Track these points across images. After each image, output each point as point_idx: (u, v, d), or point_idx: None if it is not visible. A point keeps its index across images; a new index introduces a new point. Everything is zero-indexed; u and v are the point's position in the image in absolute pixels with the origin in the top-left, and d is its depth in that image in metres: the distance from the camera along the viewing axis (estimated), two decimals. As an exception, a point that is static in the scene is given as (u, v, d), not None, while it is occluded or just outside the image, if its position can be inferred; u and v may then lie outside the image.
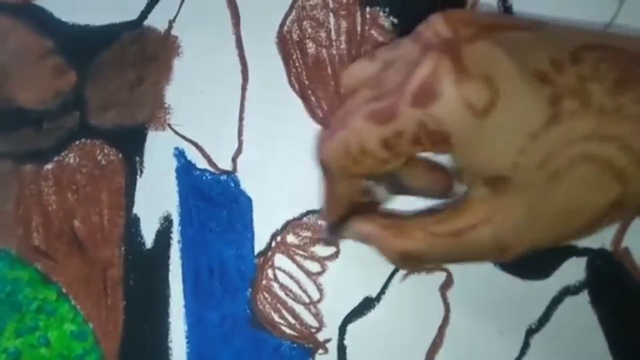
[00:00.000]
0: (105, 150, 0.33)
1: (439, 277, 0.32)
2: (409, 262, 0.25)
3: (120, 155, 0.33)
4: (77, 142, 0.33)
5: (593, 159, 0.21)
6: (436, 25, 0.23)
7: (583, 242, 0.31)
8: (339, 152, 0.24)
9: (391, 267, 0.32)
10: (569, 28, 0.24)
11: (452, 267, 0.32)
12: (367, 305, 0.32)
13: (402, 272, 0.32)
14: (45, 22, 0.33)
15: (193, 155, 0.33)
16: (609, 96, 0.21)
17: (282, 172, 0.33)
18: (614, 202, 0.21)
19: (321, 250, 0.32)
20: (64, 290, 0.32)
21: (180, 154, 0.33)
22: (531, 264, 0.31)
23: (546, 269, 0.31)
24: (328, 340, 0.32)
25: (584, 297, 0.32)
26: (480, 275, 0.31)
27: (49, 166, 0.33)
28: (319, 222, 0.32)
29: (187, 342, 0.31)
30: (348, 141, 0.24)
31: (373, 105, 0.23)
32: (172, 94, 0.33)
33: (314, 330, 0.32)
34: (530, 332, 0.31)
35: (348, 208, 0.27)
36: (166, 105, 0.33)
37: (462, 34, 0.22)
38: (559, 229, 0.22)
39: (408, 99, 0.22)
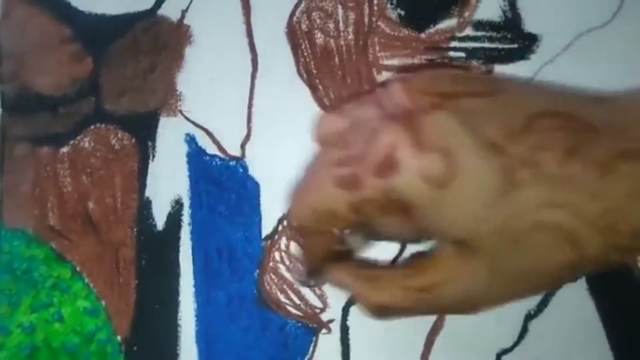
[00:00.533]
0: (119, 135, 0.35)
1: (440, 262, 0.33)
2: (384, 313, 0.26)
3: (133, 140, 0.34)
4: (92, 127, 0.35)
5: (546, 226, 0.22)
6: (395, 94, 0.24)
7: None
8: (307, 214, 0.25)
9: (395, 250, 0.33)
10: (526, 91, 0.24)
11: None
12: (370, 288, 0.33)
13: (405, 255, 0.33)
14: (63, 11, 0.35)
15: (203, 141, 0.34)
16: (559, 165, 0.21)
17: (289, 159, 0.34)
18: (571, 264, 0.22)
19: (326, 234, 0.34)
20: (78, 268, 0.33)
21: (191, 140, 0.34)
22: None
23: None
24: (331, 321, 0.33)
25: (581, 283, 0.32)
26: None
27: (64, 149, 0.34)
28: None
29: (196, 320, 0.33)
30: (316, 204, 0.24)
31: (339, 170, 0.24)
32: (184, 81, 0.34)
33: (318, 310, 0.33)
34: (529, 318, 0.32)
35: (324, 257, 0.28)
36: (178, 92, 0.34)
37: (420, 104, 0.23)
38: (522, 287, 0.23)
39: (371, 169, 0.23)
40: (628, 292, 0.32)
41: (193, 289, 0.33)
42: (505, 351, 0.32)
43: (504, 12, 0.33)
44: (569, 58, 0.32)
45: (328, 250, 0.27)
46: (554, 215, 0.21)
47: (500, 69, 0.33)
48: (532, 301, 0.32)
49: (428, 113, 0.22)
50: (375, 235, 0.27)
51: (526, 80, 0.26)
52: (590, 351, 0.32)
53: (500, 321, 0.32)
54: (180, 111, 0.34)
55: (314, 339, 0.33)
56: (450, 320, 0.32)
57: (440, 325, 0.32)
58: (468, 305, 0.24)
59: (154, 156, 0.34)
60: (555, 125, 0.22)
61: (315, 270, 0.29)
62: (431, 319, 0.32)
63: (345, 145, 0.25)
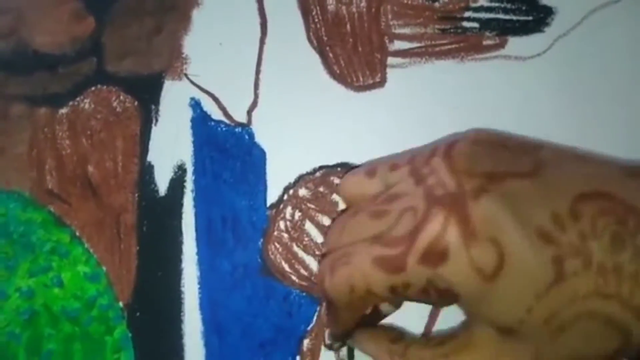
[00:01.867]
0: (121, 97, 0.34)
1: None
2: None
3: (135, 102, 0.34)
4: (93, 88, 0.33)
5: (595, 316, 0.22)
6: (439, 173, 0.23)
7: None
8: (344, 290, 0.24)
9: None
10: (567, 166, 0.24)
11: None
12: (374, 259, 0.33)
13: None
14: (63, -35, 0.33)
15: (209, 106, 0.34)
16: (608, 254, 0.21)
17: (296, 127, 0.34)
18: (616, 351, 0.23)
19: (332, 204, 0.33)
20: (77, 233, 0.32)
21: (196, 105, 0.34)
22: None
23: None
24: (336, 291, 0.33)
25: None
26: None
27: (63, 110, 0.33)
28: (333, 179, 0.33)
29: (200, 288, 0.32)
30: (354, 282, 0.24)
31: (381, 250, 0.23)
32: (190, 44, 0.33)
33: (322, 281, 0.33)
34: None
35: (353, 325, 0.28)
36: (184, 55, 0.33)
37: (466, 187, 0.22)
38: None
39: (417, 256, 0.22)
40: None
41: (196, 257, 0.33)
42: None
43: (519, -17, 0.33)
44: (584, 32, 0.32)
45: (358, 320, 0.27)
46: (604, 305, 0.22)
47: (513, 40, 0.33)
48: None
49: (475, 199, 0.22)
50: (403, 300, 0.27)
51: (562, 148, 0.25)
52: None
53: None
54: (186, 75, 0.33)
55: (318, 308, 0.33)
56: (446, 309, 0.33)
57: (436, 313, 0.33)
58: None
59: (157, 120, 0.34)
60: (600, 209, 0.22)
61: (342, 337, 0.28)
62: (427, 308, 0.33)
63: (378, 215, 0.24)
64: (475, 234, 0.21)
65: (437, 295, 0.23)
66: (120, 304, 0.32)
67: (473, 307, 0.23)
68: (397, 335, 0.27)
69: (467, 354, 0.24)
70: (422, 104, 0.33)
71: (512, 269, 0.21)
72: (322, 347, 0.32)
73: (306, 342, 0.32)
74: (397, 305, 0.29)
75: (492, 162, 0.23)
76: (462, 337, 0.25)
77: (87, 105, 0.34)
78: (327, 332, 0.31)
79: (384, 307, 0.29)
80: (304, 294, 0.33)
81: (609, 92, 0.33)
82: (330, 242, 0.27)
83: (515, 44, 0.33)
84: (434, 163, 0.24)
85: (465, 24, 0.33)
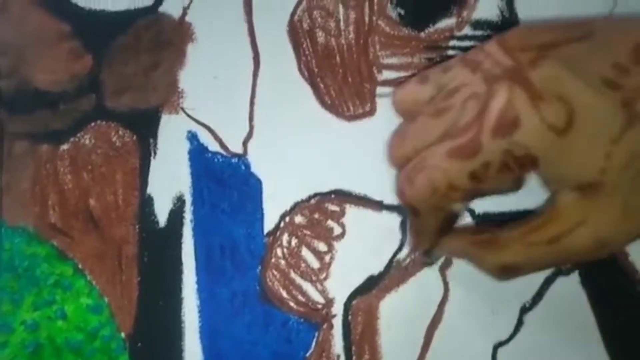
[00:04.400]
0: (120, 132, 0.36)
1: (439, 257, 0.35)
2: (510, 273, 0.27)
3: (134, 137, 0.36)
4: (93, 124, 0.35)
5: None
6: (494, 55, 0.25)
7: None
8: (427, 193, 0.26)
9: (393, 248, 0.35)
10: (619, 26, 0.25)
11: (452, 248, 0.35)
12: (370, 284, 0.35)
13: (404, 252, 0.35)
14: (61, 6, 0.35)
15: (205, 138, 0.35)
16: None
17: (291, 156, 0.35)
18: None
19: (327, 230, 0.35)
20: (80, 266, 0.34)
21: (193, 137, 0.36)
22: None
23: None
24: (334, 316, 0.34)
25: (574, 277, 0.34)
26: (479, 256, 0.34)
27: (65, 147, 0.35)
28: (327, 205, 0.35)
29: (200, 316, 0.34)
30: (435, 181, 0.25)
31: (452, 142, 0.24)
32: (186, 78, 0.35)
33: (320, 306, 0.34)
34: (524, 310, 0.34)
35: (438, 231, 0.29)
36: (180, 90, 0.35)
37: (522, 60, 0.24)
38: None
39: (489, 132, 0.24)
40: (620, 285, 0.34)
41: (196, 285, 0.34)
42: (502, 343, 0.34)
43: (502, 11, 0.35)
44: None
45: (442, 224, 0.28)
46: None
47: (498, 68, 0.35)
48: (527, 294, 0.34)
49: (533, 66, 0.23)
50: (478, 195, 0.28)
51: (608, 17, 0.27)
52: (584, 343, 0.34)
53: (497, 314, 0.34)
54: (182, 108, 0.35)
55: (317, 334, 0.34)
56: (449, 314, 0.34)
57: (439, 318, 0.34)
58: (600, 247, 0.25)
59: (155, 153, 0.35)
60: None
61: (432, 247, 0.30)
62: (430, 313, 0.34)
63: (439, 113, 0.26)
64: (541, 94, 0.23)
65: (517, 165, 0.24)
66: (122, 334, 0.34)
67: (553, 168, 0.24)
68: (479, 228, 0.29)
69: (555, 223, 0.25)
70: (411, 131, 0.35)
71: (583, 119, 0.23)
72: (321, 372, 0.34)
73: (305, 367, 0.34)
74: (471, 199, 0.29)
75: (544, 35, 0.25)
76: (548, 210, 0.26)
77: (87, 141, 0.35)
78: (417, 254, 0.32)
79: (456, 207, 0.29)
80: (302, 320, 0.34)
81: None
82: (394, 154, 0.28)
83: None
84: (488, 48, 0.25)
85: (451, 52, 0.35)
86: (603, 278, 0.34)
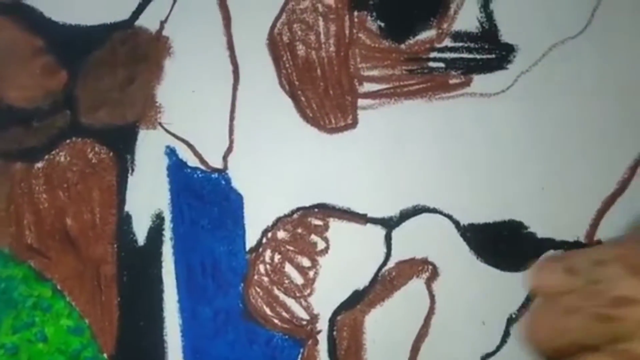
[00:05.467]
0: (96, 149, 0.35)
1: (425, 269, 0.35)
2: None
3: (111, 153, 0.35)
4: (68, 141, 0.35)
5: None
6: None
7: (559, 235, 0.35)
8: None
9: (379, 262, 0.35)
10: None
11: (436, 259, 0.35)
12: (355, 298, 0.35)
13: (389, 265, 0.35)
14: (35, 22, 0.35)
15: (184, 153, 0.35)
16: None
17: (272, 170, 0.35)
18: None
19: (311, 245, 0.35)
20: (58, 286, 0.34)
21: (171, 152, 0.36)
22: (512, 256, 0.35)
23: (526, 261, 0.35)
24: (318, 332, 0.35)
25: (560, 287, 0.35)
26: (464, 268, 0.35)
27: (39, 164, 0.35)
28: (310, 220, 0.35)
29: (182, 336, 0.34)
30: None
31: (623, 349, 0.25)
32: (163, 93, 0.35)
33: (304, 322, 0.35)
34: (511, 321, 0.35)
35: None
36: (157, 104, 0.35)
37: None
38: None
39: None
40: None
41: (177, 304, 0.34)
42: (489, 355, 0.35)
43: (481, 23, 0.35)
44: (545, 67, 0.35)
45: None
46: None
47: (478, 78, 0.35)
48: (514, 304, 0.35)
49: None
50: None
51: None
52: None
53: (484, 325, 0.35)
54: (160, 123, 0.35)
55: (302, 350, 0.34)
56: (436, 327, 0.35)
57: (425, 332, 0.35)
58: None
59: (133, 170, 0.35)
60: None
61: None
62: (416, 326, 0.35)
63: (607, 320, 0.26)
64: None
65: None
66: (105, 355, 0.33)
67: None
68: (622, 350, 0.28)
69: None
70: (393, 143, 0.35)
71: None
72: (307, 389, 0.34)
73: (291, 384, 0.34)
74: None
75: None
76: None
77: (62, 158, 0.35)
78: None
79: None
80: (287, 336, 0.34)
81: (573, 124, 0.35)
82: (542, 342, 0.28)
83: (481, 81, 0.35)
84: None
85: (432, 64, 0.35)
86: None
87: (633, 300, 0.26)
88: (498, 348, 0.34)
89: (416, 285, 0.35)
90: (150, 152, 0.35)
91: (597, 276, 0.27)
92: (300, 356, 0.34)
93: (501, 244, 0.35)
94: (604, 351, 0.26)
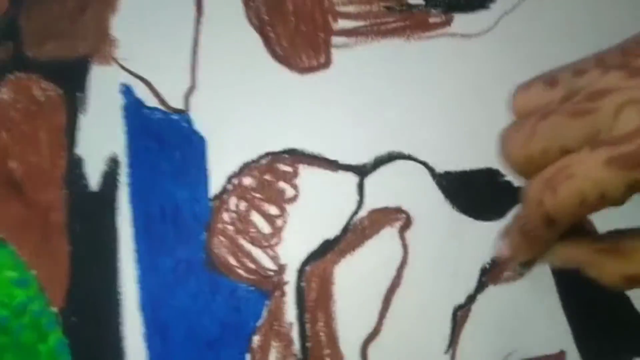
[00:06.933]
0: (43, 85, 0.33)
1: (398, 218, 0.34)
2: (632, 285, 0.26)
3: (60, 90, 0.33)
4: (11, 76, 0.33)
5: None
6: None
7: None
8: (574, 204, 0.25)
9: (350, 210, 0.34)
10: None
11: (410, 208, 0.34)
12: (325, 248, 0.34)
13: (361, 214, 0.34)
14: (-30, -61, 0.32)
15: (141, 92, 0.33)
16: None
17: (238, 112, 0.34)
18: None
19: (279, 193, 0.34)
20: (2, 235, 0.32)
21: (127, 91, 0.33)
22: (489, 205, 0.34)
23: (501, 210, 0.34)
24: (286, 283, 0.33)
25: (534, 238, 0.35)
26: (438, 217, 0.34)
27: (-22, 101, 0.32)
28: (280, 166, 0.34)
29: (140, 287, 0.32)
30: (586, 191, 0.24)
31: (612, 150, 0.24)
32: (119, 25, 0.33)
33: (271, 273, 0.33)
34: (484, 272, 0.34)
35: (553, 242, 0.28)
36: (111, 38, 0.33)
37: None
38: None
39: None
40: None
41: (135, 254, 0.32)
42: (461, 306, 0.34)
43: (463, -42, 0.34)
44: (529, 7, 0.34)
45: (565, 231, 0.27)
46: None
47: (459, 17, 0.34)
48: (488, 255, 0.35)
49: None
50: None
51: None
52: (544, 304, 0.34)
53: (457, 276, 0.34)
54: (115, 59, 0.33)
55: (268, 302, 0.33)
56: (408, 278, 0.34)
57: (397, 283, 0.34)
58: None
59: (84, 109, 0.33)
60: None
61: (541, 256, 0.28)
62: (388, 277, 0.34)
63: (580, 114, 0.25)
64: None
65: None
66: (54, 309, 0.32)
67: None
68: (598, 234, 0.28)
69: None
70: (368, 86, 0.34)
71: None
72: (272, 343, 0.33)
73: (256, 338, 0.33)
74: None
75: None
76: None
77: (5, 95, 0.33)
78: (512, 264, 0.30)
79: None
80: (252, 288, 0.33)
81: (555, 66, 0.35)
82: (516, 154, 0.27)
83: (461, 21, 0.34)
84: None
85: (411, 1, 0.34)
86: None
87: (608, 90, 0.25)
88: (471, 299, 0.34)
89: (389, 234, 0.34)
90: (103, 90, 0.33)
91: (577, 85, 0.26)
92: (266, 308, 0.33)
93: (477, 192, 0.34)
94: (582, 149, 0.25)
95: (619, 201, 0.25)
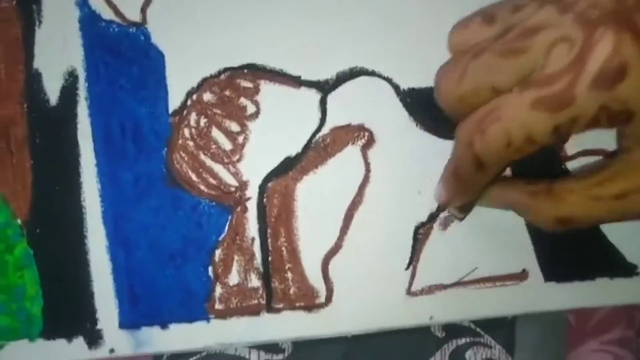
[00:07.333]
0: (-3, -4, 0.32)
1: (362, 136, 0.34)
2: (564, 225, 0.26)
3: (13, 2, 0.32)
4: (-38, -14, 0.32)
5: None
6: None
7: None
8: (501, 146, 0.24)
9: (312, 127, 0.34)
10: None
11: (373, 126, 0.34)
12: (287, 165, 0.34)
13: (323, 131, 0.34)
14: None
15: (97, 4, 0.32)
16: None
17: (197, 25, 0.33)
18: None
19: (240, 109, 0.33)
20: (-37, 149, 0.32)
21: (82, 3, 0.32)
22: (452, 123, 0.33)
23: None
24: (248, 199, 0.34)
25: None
26: (402, 135, 0.33)
27: None
28: (239, 81, 0.33)
29: (102, 201, 0.33)
30: (512, 134, 0.23)
31: (538, 91, 0.23)
32: None
33: (233, 189, 0.34)
34: (447, 191, 0.34)
35: (488, 185, 0.27)
36: (63, -56, 0.32)
37: (628, 3, 0.22)
38: None
39: (587, 83, 0.22)
40: (550, 174, 0.34)
41: (95, 169, 0.33)
42: (423, 224, 0.34)
43: None
44: None
45: (499, 176, 0.27)
46: None
47: None
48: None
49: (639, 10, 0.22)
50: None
51: None
52: (507, 223, 0.34)
53: (419, 195, 0.34)
54: (67, -33, 0.32)
55: (230, 217, 0.34)
56: (370, 196, 0.34)
57: (359, 200, 0.34)
58: None
59: (40, 22, 0.32)
60: None
61: (476, 199, 0.28)
62: (350, 195, 0.34)
63: (511, 53, 0.24)
64: None
65: (608, 121, 0.23)
66: (19, 221, 0.32)
67: None
68: (532, 178, 0.27)
69: (627, 178, 0.25)
70: (330, -3, 0.32)
71: None
72: (235, 257, 0.34)
73: (218, 252, 0.34)
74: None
75: None
76: (617, 164, 0.25)
77: (-42, 6, 0.32)
78: (450, 207, 0.30)
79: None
80: (214, 203, 0.34)
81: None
82: (447, 92, 0.26)
83: None
84: None
85: None
86: (534, 166, 0.34)
87: (540, 27, 0.24)
88: (433, 217, 0.34)
89: (351, 152, 0.34)
90: (58, 1, 0.32)
91: (513, 21, 0.25)
92: (228, 223, 0.33)
93: (442, 110, 0.33)
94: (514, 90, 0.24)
95: (548, 143, 0.24)
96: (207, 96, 0.33)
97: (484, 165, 0.25)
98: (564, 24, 0.23)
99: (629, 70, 0.22)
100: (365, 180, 0.34)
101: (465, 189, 0.27)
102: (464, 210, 0.29)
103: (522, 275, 0.35)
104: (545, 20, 0.24)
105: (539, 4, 0.24)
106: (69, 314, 0.33)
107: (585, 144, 0.33)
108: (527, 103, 0.23)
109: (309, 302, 0.34)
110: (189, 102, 0.33)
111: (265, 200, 0.34)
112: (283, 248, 0.34)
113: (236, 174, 0.34)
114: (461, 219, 0.30)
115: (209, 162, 0.34)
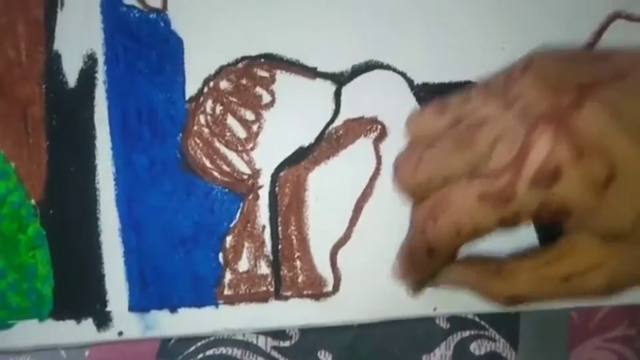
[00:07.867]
0: (20, -22, 0.33)
1: (374, 129, 0.34)
2: (515, 303, 0.27)
3: (36, -17, 0.33)
4: (-13, -34, 0.32)
5: None
6: (531, 93, 0.23)
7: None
8: (451, 235, 0.25)
9: (326, 119, 0.34)
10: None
11: (386, 119, 0.34)
12: (299, 155, 0.34)
13: (337, 122, 0.34)
14: None
15: (119, -12, 0.33)
16: None
17: (216, 13, 0.33)
18: None
19: (256, 98, 0.34)
20: (-20, 127, 0.32)
21: (104, -13, 0.33)
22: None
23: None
24: (260, 187, 0.34)
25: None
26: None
27: (-46, -8, 0.32)
28: (256, 70, 0.34)
29: (116, 184, 0.33)
30: (461, 224, 0.25)
31: (483, 185, 0.24)
32: None
33: (245, 177, 0.34)
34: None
35: (445, 265, 0.28)
36: None
37: (564, 101, 0.23)
38: None
39: (526, 181, 0.23)
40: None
41: (111, 152, 0.33)
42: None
43: None
44: None
45: (452, 258, 0.28)
46: None
47: None
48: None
49: (577, 111, 0.22)
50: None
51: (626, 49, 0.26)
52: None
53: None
54: (91, -48, 0.32)
55: (242, 204, 0.34)
56: (380, 187, 0.34)
57: (369, 192, 0.34)
58: (611, 291, 0.25)
59: (62, 4, 0.33)
60: None
61: (430, 279, 0.29)
62: (360, 187, 0.34)
63: (461, 145, 0.25)
64: (583, 146, 0.22)
65: (549, 216, 0.24)
66: (33, 201, 0.33)
67: (585, 219, 0.24)
68: (484, 257, 0.28)
69: (572, 261, 0.25)
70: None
71: (624, 175, 0.23)
72: (245, 244, 0.34)
73: (229, 239, 0.34)
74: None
75: (577, 73, 0.24)
76: (563, 245, 0.26)
77: (-19, -14, 0.32)
78: (405, 283, 0.32)
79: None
80: (227, 190, 0.34)
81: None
82: (404, 180, 0.28)
83: None
84: (521, 84, 0.24)
85: None
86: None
87: (484, 122, 0.25)
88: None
89: (363, 144, 0.34)
90: (80, -16, 0.33)
91: (465, 111, 0.26)
92: (239, 210, 0.34)
93: (454, 105, 0.34)
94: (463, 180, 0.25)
95: (493, 232, 0.25)
96: (224, 84, 0.34)
97: (434, 251, 0.27)
98: (506, 118, 0.24)
99: (563, 172, 0.23)
100: (376, 172, 0.35)
101: (417, 270, 0.29)
102: (418, 287, 0.30)
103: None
104: (490, 114, 0.25)
105: (484, 98, 0.25)
106: (79, 295, 0.33)
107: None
108: (474, 196, 0.24)
109: (316, 290, 0.34)
110: (205, 89, 0.34)
111: (277, 189, 0.34)
112: (293, 237, 0.35)
113: (249, 162, 0.34)
114: (416, 295, 0.32)
115: (223, 149, 0.34)
